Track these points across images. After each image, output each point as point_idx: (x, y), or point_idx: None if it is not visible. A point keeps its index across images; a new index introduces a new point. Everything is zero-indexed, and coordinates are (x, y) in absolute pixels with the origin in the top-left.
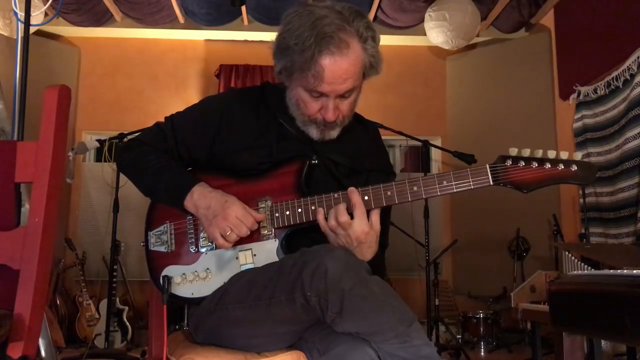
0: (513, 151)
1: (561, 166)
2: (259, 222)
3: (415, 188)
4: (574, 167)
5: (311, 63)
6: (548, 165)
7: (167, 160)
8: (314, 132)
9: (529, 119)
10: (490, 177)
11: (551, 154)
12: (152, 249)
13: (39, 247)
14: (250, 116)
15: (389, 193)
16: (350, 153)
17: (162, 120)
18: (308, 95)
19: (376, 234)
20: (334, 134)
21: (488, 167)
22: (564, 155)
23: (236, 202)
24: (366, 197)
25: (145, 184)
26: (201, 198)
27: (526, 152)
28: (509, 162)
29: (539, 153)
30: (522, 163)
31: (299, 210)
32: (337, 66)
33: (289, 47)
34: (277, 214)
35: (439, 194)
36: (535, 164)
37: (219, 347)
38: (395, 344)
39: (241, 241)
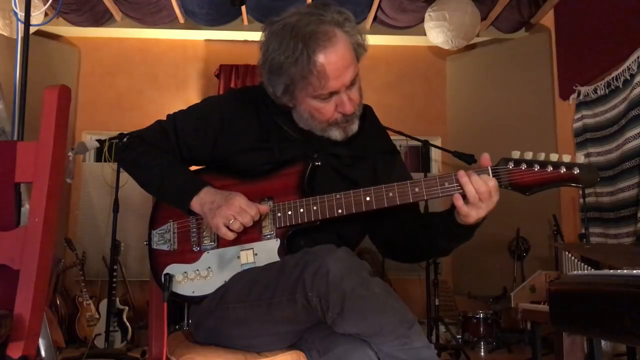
0: (515, 154)
1: (563, 169)
2: (261, 217)
3: (417, 189)
4: (576, 170)
5: (310, 66)
6: (550, 168)
7: (173, 160)
8: (336, 134)
9: (529, 119)
10: None
11: (553, 157)
12: (154, 247)
13: (39, 247)
14: (252, 117)
15: (390, 194)
16: (351, 142)
17: (164, 118)
18: (319, 102)
19: None
20: (355, 127)
21: (490, 170)
22: (566, 158)
23: (240, 194)
24: (367, 198)
25: (149, 182)
26: (207, 195)
27: (528, 155)
28: (511, 165)
29: (541, 156)
30: (524, 166)
31: (301, 210)
32: (334, 57)
33: (281, 64)
34: (279, 214)
35: (440, 195)
36: (537, 167)
37: (219, 346)
38: (396, 345)
39: (243, 240)
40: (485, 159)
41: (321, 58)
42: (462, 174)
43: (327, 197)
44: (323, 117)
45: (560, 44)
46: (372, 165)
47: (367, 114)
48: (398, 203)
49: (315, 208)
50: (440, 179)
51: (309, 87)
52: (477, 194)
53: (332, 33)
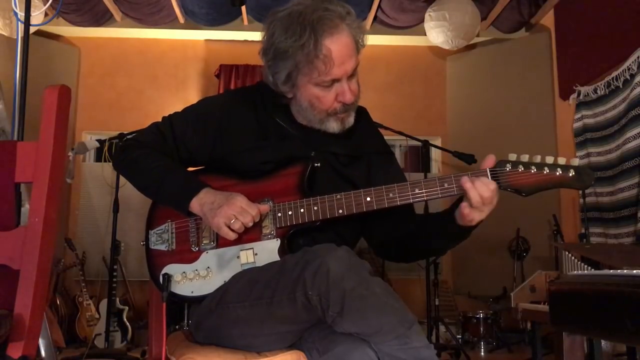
0: (512, 156)
1: (559, 171)
2: (262, 217)
3: (417, 190)
4: (572, 173)
5: (317, 51)
6: (546, 170)
7: (171, 163)
8: (333, 125)
9: (529, 119)
10: None
11: (549, 160)
12: (152, 247)
13: (39, 247)
14: (250, 117)
15: (391, 195)
16: (348, 141)
17: (160, 120)
18: (320, 89)
19: None
20: (351, 120)
21: (488, 171)
22: (561, 160)
23: (240, 194)
24: (368, 199)
25: (147, 185)
26: (207, 196)
27: (525, 158)
28: (508, 167)
29: (538, 158)
30: (521, 168)
31: (302, 210)
32: (340, 43)
33: (287, 49)
34: (279, 214)
35: (440, 196)
36: (533, 169)
37: (220, 346)
38: (395, 345)
39: (243, 240)
40: (489, 160)
41: (328, 42)
42: (465, 179)
43: (328, 198)
44: (323, 107)
45: (560, 44)
46: (367, 165)
47: (362, 115)
48: (398, 204)
49: (315, 208)
50: (440, 180)
51: (313, 72)
52: (482, 199)
53: (338, 21)
